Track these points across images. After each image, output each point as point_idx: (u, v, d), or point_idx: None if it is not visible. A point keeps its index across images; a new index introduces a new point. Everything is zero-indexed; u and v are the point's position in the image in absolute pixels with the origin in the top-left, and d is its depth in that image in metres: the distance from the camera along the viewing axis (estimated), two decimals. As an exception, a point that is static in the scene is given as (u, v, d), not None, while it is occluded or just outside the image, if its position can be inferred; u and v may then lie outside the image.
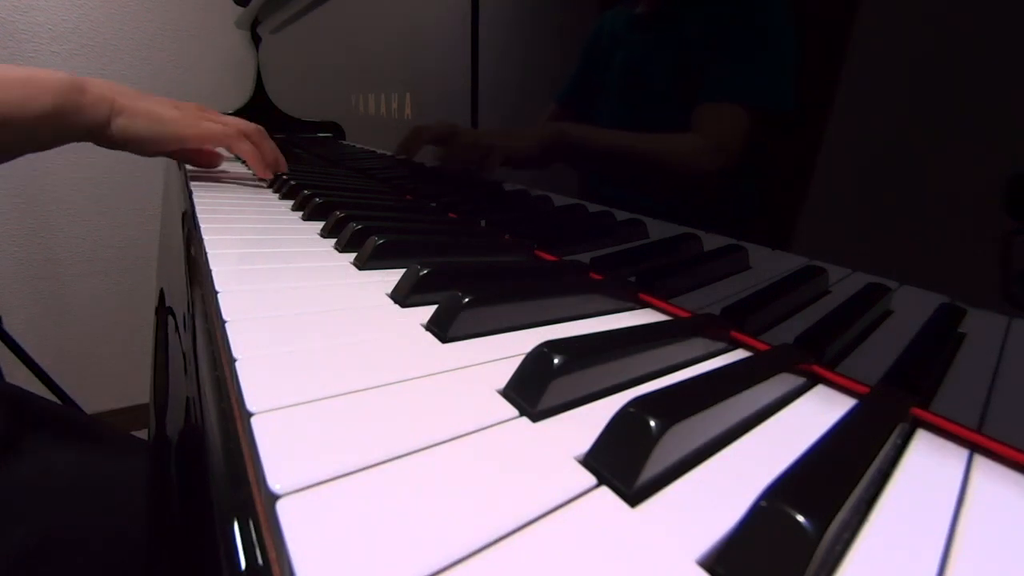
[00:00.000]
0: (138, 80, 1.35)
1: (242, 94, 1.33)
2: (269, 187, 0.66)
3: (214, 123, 0.61)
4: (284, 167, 0.71)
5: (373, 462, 0.15)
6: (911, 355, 0.22)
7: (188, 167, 0.71)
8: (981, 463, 0.19)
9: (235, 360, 0.19)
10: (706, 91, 0.28)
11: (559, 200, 0.41)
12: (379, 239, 0.35)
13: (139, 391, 1.52)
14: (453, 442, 0.16)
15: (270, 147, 0.68)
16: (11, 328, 1.03)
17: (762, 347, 0.27)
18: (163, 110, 0.57)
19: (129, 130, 0.54)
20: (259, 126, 0.67)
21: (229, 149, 0.64)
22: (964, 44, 0.19)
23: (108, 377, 1.48)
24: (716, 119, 0.28)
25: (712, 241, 0.30)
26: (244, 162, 0.69)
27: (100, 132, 0.53)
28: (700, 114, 0.29)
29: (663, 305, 0.32)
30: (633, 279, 0.34)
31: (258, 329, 0.23)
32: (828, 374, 0.24)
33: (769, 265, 0.27)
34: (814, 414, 0.21)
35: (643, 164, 0.32)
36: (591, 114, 0.37)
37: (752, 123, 0.26)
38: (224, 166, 0.71)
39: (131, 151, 0.57)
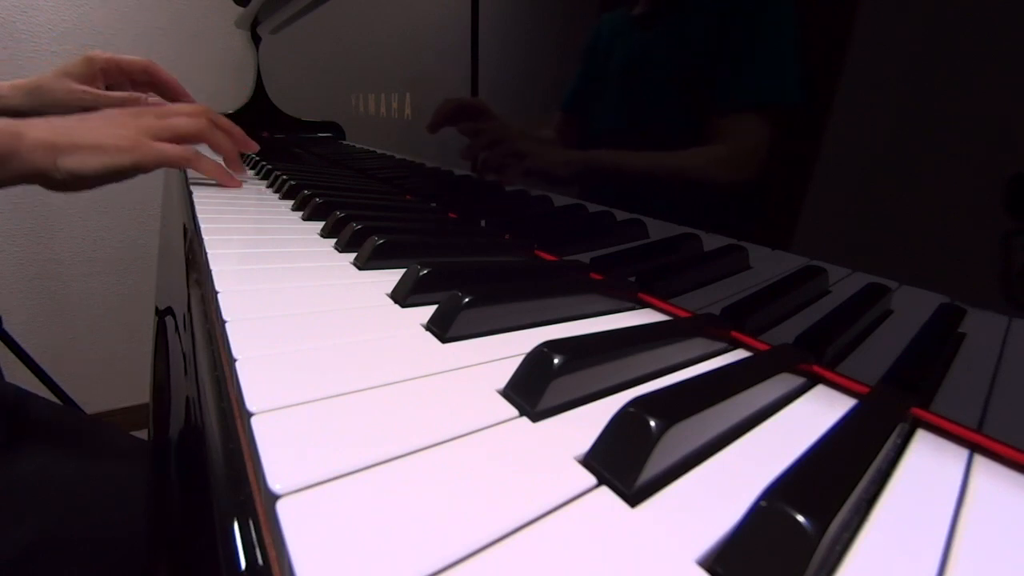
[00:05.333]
0: (138, 80, 1.35)
1: (242, 94, 1.33)
2: (269, 187, 0.66)
3: (165, 144, 0.55)
4: (253, 147, 0.67)
5: (373, 462, 0.15)
6: (911, 355, 0.22)
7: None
8: (981, 463, 0.19)
9: (235, 360, 0.19)
10: (723, 95, 0.28)
11: (559, 200, 0.41)
12: (379, 239, 0.35)
13: (139, 391, 1.52)
14: (453, 442, 0.16)
15: (225, 141, 0.62)
16: (11, 328, 1.03)
17: (762, 347, 0.27)
18: (106, 137, 0.51)
19: (80, 170, 0.49)
20: (207, 114, 0.60)
21: (191, 168, 0.59)
22: (964, 43, 0.19)
23: (108, 377, 1.48)
24: (741, 125, 0.28)
25: (712, 241, 0.30)
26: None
27: (46, 177, 0.48)
28: (724, 120, 0.28)
29: (663, 305, 0.32)
30: (633, 279, 0.34)
31: (258, 329, 0.23)
32: (828, 374, 0.24)
33: (769, 265, 0.27)
34: (814, 414, 0.21)
35: (677, 182, 0.32)
36: (595, 118, 0.37)
37: (772, 125, 0.26)
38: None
39: (86, 189, 0.52)
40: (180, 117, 0.58)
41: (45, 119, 0.51)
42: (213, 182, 0.62)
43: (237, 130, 0.66)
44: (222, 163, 0.64)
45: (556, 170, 0.41)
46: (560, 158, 0.41)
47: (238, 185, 0.63)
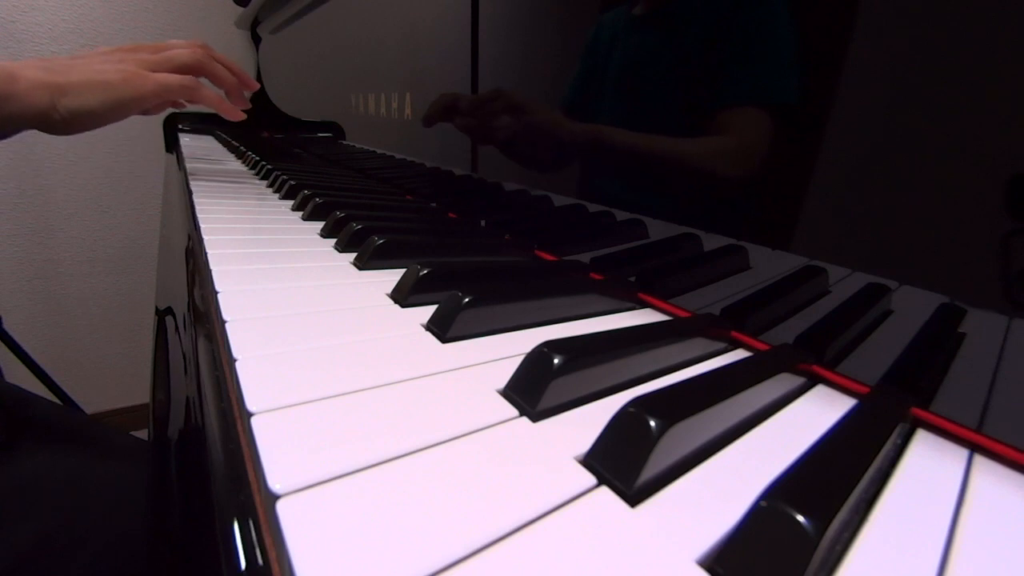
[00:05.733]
0: (138, 80, 1.35)
1: (242, 94, 1.33)
2: (269, 187, 0.66)
3: (165, 73, 0.54)
4: (253, 86, 0.65)
5: (373, 462, 0.15)
6: (911, 355, 0.22)
7: (188, 165, 0.71)
8: (981, 463, 0.19)
9: (235, 360, 0.19)
10: (723, 95, 0.28)
11: (559, 200, 0.41)
12: (379, 239, 0.35)
13: (139, 391, 1.53)
14: (453, 442, 0.16)
15: (224, 72, 0.61)
16: (11, 328, 1.03)
17: (762, 347, 0.27)
18: (106, 75, 0.50)
19: (80, 108, 0.48)
20: (203, 46, 0.59)
21: (192, 100, 0.57)
22: (965, 43, 0.19)
23: (108, 377, 1.48)
24: (740, 124, 0.28)
25: (712, 241, 0.30)
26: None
27: (45, 118, 0.47)
28: (723, 120, 0.28)
29: (663, 305, 0.32)
30: (633, 279, 0.34)
31: (258, 329, 0.23)
32: (828, 374, 0.24)
33: (769, 265, 0.27)
34: (814, 414, 0.21)
35: (677, 169, 0.31)
36: (594, 117, 0.37)
37: (771, 125, 0.26)
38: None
39: (88, 129, 0.51)
40: (177, 49, 0.57)
41: (38, 59, 0.50)
42: (212, 181, 0.62)
43: (236, 66, 0.65)
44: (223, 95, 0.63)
45: (558, 132, 0.40)
46: (563, 122, 0.40)
47: (240, 116, 0.62)
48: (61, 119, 0.48)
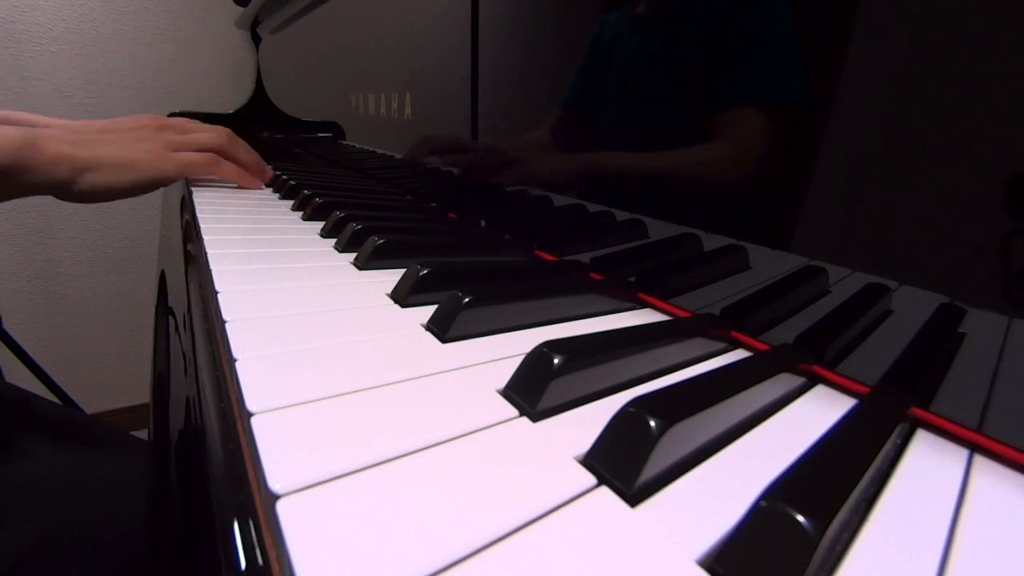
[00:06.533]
0: (138, 80, 1.35)
1: (242, 94, 1.33)
2: (269, 187, 0.66)
3: (187, 152, 0.56)
4: (268, 173, 0.67)
5: (373, 462, 0.15)
6: (911, 355, 0.22)
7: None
8: (981, 463, 0.19)
9: (235, 360, 0.19)
10: (724, 95, 0.28)
11: (559, 200, 0.41)
12: (379, 239, 0.35)
13: (139, 391, 1.53)
14: (453, 442, 0.16)
15: (245, 153, 0.63)
16: (11, 328, 1.03)
17: (762, 347, 0.27)
18: (128, 152, 0.51)
19: (103, 186, 0.49)
20: (227, 131, 0.61)
21: (215, 175, 0.59)
22: (965, 43, 0.19)
23: (108, 377, 1.48)
24: (741, 124, 0.28)
25: (712, 241, 0.30)
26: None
27: (63, 189, 0.48)
28: (724, 120, 0.28)
29: (663, 305, 0.32)
30: (633, 279, 0.34)
31: (258, 329, 0.23)
32: (828, 374, 0.24)
33: (769, 265, 0.27)
34: (814, 414, 0.21)
35: (677, 182, 0.32)
36: (594, 118, 0.37)
37: (772, 125, 0.26)
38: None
39: (103, 201, 0.52)
40: (201, 132, 0.59)
41: (63, 126, 0.50)
42: (212, 181, 0.62)
43: (255, 154, 0.66)
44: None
45: (556, 178, 0.41)
46: (560, 165, 0.40)
47: (259, 186, 0.64)
48: (80, 192, 0.49)
